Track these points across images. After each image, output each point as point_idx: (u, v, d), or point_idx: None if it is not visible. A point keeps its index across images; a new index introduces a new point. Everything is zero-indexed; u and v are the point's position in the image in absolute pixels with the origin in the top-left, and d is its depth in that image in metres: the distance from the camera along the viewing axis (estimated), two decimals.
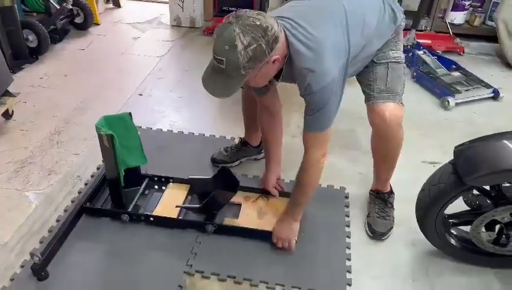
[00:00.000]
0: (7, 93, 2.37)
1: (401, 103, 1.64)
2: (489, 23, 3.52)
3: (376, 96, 1.61)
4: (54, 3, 3.21)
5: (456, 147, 1.46)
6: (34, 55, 3.03)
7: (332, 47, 1.39)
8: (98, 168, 2.08)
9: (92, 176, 2.03)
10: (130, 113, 1.79)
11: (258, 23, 1.27)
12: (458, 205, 1.55)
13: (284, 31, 1.37)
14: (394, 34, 1.60)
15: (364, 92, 1.66)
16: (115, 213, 1.79)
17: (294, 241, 1.68)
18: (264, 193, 1.94)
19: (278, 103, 1.85)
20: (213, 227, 1.73)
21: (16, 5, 2.95)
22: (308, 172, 1.61)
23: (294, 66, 1.41)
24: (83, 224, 1.77)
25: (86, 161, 2.14)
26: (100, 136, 1.63)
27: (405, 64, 1.68)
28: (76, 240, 1.69)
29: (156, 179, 1.98)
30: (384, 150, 1.74)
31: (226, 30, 1.27)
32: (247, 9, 1.34)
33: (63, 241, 1.67)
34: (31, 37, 2.99)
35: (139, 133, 1.85)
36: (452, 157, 1.49)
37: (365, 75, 1.64)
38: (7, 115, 2.39)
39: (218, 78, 1.35)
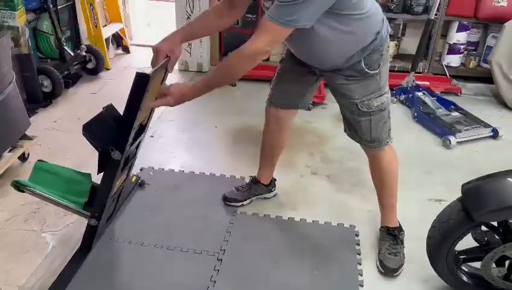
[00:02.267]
0: (24, 137, 2.45)
1: (389, 143, 1.77)
2: (484, 65, 3.68)
3: (364, 145, 1.78)
4: (68, 50, 3.36)
5: (463, 185, 1.53)
6: (48, 99, 3.14)
7: None
8: None
9: None
10: (39, 160, 1.86)
11: None
12: (469, 241, 1.60)
13: None
14: (376, 71, 1.61)
15: (352, 137, 1.80)
16: None
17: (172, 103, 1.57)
18: None
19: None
20: None
21: (32, 52, 3.12)
22: (236, 54, 1.49)
23: None
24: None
25: None
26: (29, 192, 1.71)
27: (389, 109, 1.73)
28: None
29: None
30: (381, 175, 1.84)
31: None
32: None
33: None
34: (46, 82, 3.10)
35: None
36: (459, 195, 1.55)
37: (352, 123, 1.74)
38: (23, 157, 2.46)
39: None
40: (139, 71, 1.43)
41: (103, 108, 1.62)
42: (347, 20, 1.50)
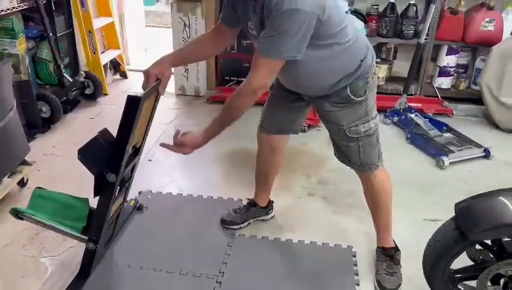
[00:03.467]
0: (24, 162, 2.47)
1: (379, 166, 1.81)
2: (474, 87, 3.77)
3: (355, 168, 1.83)
4: (67, 76, 3.41)
5: (456, 204, 1.57)
6: (46, 125, 3.17)
7: None
8: None
9: None
10: (38, 187, 1.88)
11: None
12: (465, 260, 1.62)
13: None
14: (363, 97, 1.66)
15: (343, 161, 1.85)
16: None
17: (188, 151, 1.69)
18: None
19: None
20: None
21: (31, 79, 3.17)
22: (238, 95, 1.59)
23: None
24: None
25: None
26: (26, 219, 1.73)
27: (378, 133, 1.77)
28: None
29: None
30: (375, 197, 1.88)
31: None
32: None
33: None
34: (45, 108, 3.14)
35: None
36: (453, 214, 1.59)
37: (342, 148, 1.79)
38: (22, 183, 2.48)
39: None
40: (131, 94, 1.46)
41: (98, 132, 1.65)
42: (330, 49, 1.56)
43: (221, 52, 1.88)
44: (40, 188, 1.88)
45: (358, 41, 1.64)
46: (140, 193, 2.47)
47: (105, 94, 3.83)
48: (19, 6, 2.99)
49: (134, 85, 4.13)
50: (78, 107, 3.59)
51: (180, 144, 1.68)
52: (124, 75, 4.30)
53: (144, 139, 1.85)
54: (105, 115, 3.53)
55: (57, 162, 2.80)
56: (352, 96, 1.66)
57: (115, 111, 3.62)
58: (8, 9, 2.87)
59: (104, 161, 1.57)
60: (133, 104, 1.46)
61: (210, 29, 1.87)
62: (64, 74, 3.40)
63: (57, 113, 3.19)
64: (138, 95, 1.46)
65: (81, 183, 2.57)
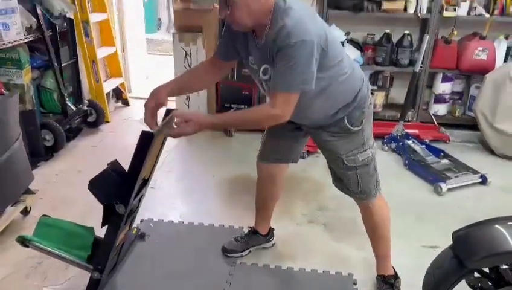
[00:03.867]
0: (27, 191, 2.50)
1: (377, 194, 1.85)
2: (470, 113, 3.84)
3: (354, 197, 1.87)
4: (70, 105, 3.48)
5: (454, 233, 1.60)
6: (49, 153, 3.22)
7: (312, 21, 1.52)
8: None
9: None
10: (44, 215, 1.91)
11: None
12: (464, 288, 1.65)
13: None
14: (360, 127, 1.72)
15: (341, 190, 1.90)
16: None
17: (184, 134, 1.59)
18: None
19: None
20: None
21: (35, 108, 3.23)
22: (262, 111, 1.62)
23: (278, 23, 1.49)
24: None
25: None
26: (32, 247, 1.77)
27: (375, 162, 1.82)
28: None
29: None
30: (373, 225, 1.92)
31: None
32: None
33: None
34: (48, 136, 3.20)
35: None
36: (451, 242, 1.62)
37: (340, 176, 1.84)
38: (25, 211, 2.51)
39: None
40: (145, 130, 1.53)
41: (108, 164, 1.70)
42: (329, 81, 1.62)
43: (216, 82, 1.91)
44: (46, 215, 1.91)
45: (354, 73, 1.71)
46: (142, 221, 2.49)
47: (108, 122, 3.89)
48: (26, 38, 3.07)
49: (136, 112, 4.21)
50: (81, 134, 3.65)
51: (185, 119, 1.57)
52: (125, 103, 4.37)
53: (152, 171, 1.90)
54: (107, 142, 3.58)
55: (59, 190, 2.83)
56: (349, 126, 1.72)
57: (117, 138, 3.68)
58: (15, 41, 2.95)
59: (114, 193, 1.62)
60: (146, 140, 1.52)
61: (207, 60, 1.91)
62: (68, 103, 3.47)
63: (60, 141, 3.24)
64: (151, 131, 1.52)
65: (84, 212, 2.61)
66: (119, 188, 1.63)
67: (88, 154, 3.37)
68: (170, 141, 3.55)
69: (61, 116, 3.46)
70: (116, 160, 1.73)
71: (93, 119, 3.73)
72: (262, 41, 1.58)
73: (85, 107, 3.58)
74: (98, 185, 1.66)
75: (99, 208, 2.59)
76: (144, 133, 1.53)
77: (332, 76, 1.62)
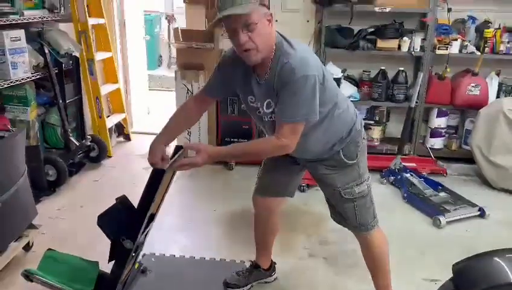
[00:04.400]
0: (30, 226, 2.52)
1: (375, 226, 1.89)
2: (465, 147, 3.92)
3: (352, 229, 1.91)
4: (73, 140, 3.54)
5: (454, 265, 1.62)
6: (52, 187, 3.25)
7: (312, 58, 1.62)
8: None
9: None
10: (49, 249, 1.94)
11: None
12: None
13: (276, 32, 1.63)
14: (355, 161, 1.79)
15: (339, 223, 1.94)
16: None
17: (194, 165, 1.63)
18: None
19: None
20: None
21: (40, 144, 3.29)
22: (265, 140, 1.70)
23: (281, 60, 1.59)
24: None
25: None
26: (36, 281, 1.78)
27: (371, 195, 1.87)
28: None
29: None
30: (373, 258, 1.94)
31: None
32: None
33: None
34: (51, 171, 3.23)
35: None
36: (451, 275, 1.64)
37: (338, 209, 1.88)
38: (27, 247, 2.51)
39: (229, 10, 1.51)
40: (157, 167, 1.58)
41: (116, 199, 1.74)
42: (326, 115, 1.70)
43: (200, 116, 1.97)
44: (52, 249, 1.93)
45: (349, 109, 1.80)
46: (144, 255, 2.50)
47: (109, 156, 3.94)
48: (33, 76, 3.18)
49: (138, 147, 4.27)
50: (83, 169, 3.68)
51: (195, 150, 1.64)
52: (127, 138, 4.44)
53: (159, 206, 1.94)
54: (109, 177, 3.62)
55: (62, 225, 2.85)
56: (345, 160, 1.79)
57: (118, 173, 3.72)
58: (22, 79, 3.05)
59: (122, 228, 1.65)
60: (157, 176, 1.57)
61: (192, 98, 1.96)
62: (71, 138, 3.53)
63: (63, 176, 3.27)
64: (163, 168, 1.57)
65: (86, 247, 2.61)
66: (126, 223, 1.66)
67: (90, 189, 3.40)
68: None
69: (64, 151, 3.52)
70: (124, 195, 1.77)
71: (95, 154, 3.78)
72: (265, 77, 1.65)
73: (88, 143, 3.64)
74: (106, 221, 1.69)
75: (101, 243, 2.60)
76: (155, 170, 1.58)
77: (329, 110, 1.71)
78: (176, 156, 1.68)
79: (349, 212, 1.83)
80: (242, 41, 1.55)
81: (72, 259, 1.93)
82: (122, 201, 1.73)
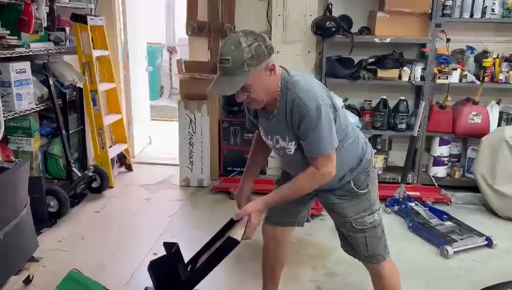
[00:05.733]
0: (31, 259, 2.47)
1: (386, 257, 1.86)
2: (469, 175, 3.90)
3: (364, 261, 1.88)
4: (76, 171, 3.53)
5: None
6: (53, 219, 3.21)
7: (318, 88, 1.65)
8: None
9: None
10: (75, 269, 1.91)
11: (257, 32, 1.55)
12: None
13: (283, 67, 1.65)
14: (366, 190, 1.79)
15: (350, 254, 1.91)
16: None
17: (255, 226, 1.68)
18: None
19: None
20: None
21: (42, 175, 3.28)
22: (307, 174, 1.67)
23: (289, 95, 1.61)
24: None
25: None
26: None
27: (382, 225, 1.87)
28: None
29: None
30: (382, 288, 1.92)
31: (231, 37, 1.54)
32: None
33: None
34: (53, 202, 3.19)
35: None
36: None
37: (349, 239, 1.86)
38: (27, 280, 2.46)
39: (224, 79, 1.53)
40: (232, 236, 1.60)
41: (165, 244, 1.77)
42: (336, 148, 1.68)
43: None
44: (77, 270, 1.88)
45: (359, 138, 1.80)
46: (146, 289, 2.44)
47: (111, 187, 3.91)
48: (37, 107, 3.20)
49: (139, 178, 4.25)
50: (85, 200, 3.64)
51: (247, 214, 1.70)
52: (129, 168, 4.42)
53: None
54: (111, 208, 3.59)
55: (63, 257, 2.79)
56: (356, 189, 1.78)
57: (120, 204, 3.69)
58: (27, 110, 3.06)
59: (170, 281, 1.65)
60: (231, 246, 1.60)
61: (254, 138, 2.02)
62: (74, 169, 3.52)
63: (65, 207, 3.24)
64: (238, 239, 1.60)
65: None
66: (175, 277, 1.66)
67: (91, 220, 3.36)
68: (173, 207, 3.60)
69: (66, 182, 3.50)
70: (177, 244, 1.78)
71: (97, 184, 3.75)
72: (274, 114, 1.68)
73: (90, 173, 3.63)
74: (157, 269, 1.69)
75: (104, 275, 2.55)
76: (230, 239, 1.59)
77: (340, 141, 1.70)
78: (244, 225, 1.67)
79: (361, 243, 1.81)
80: (240, 100, 1.62)
81: (95, 286, 1.87)
82: (175, 251, 1.73)
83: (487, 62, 3.62)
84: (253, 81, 1.54)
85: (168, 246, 1.75)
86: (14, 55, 2.92)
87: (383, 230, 1.85)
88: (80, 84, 3.60)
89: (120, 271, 2.62)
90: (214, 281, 2.55)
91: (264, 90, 1.60)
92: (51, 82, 3.29)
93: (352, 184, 1.77)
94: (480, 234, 3.03)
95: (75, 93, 3.69)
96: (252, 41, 1.51)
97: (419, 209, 3.33)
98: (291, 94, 1.61)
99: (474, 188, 3.73)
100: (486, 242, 2.97)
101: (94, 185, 3.76)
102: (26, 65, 3.05)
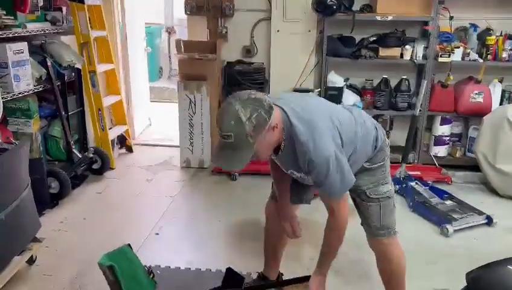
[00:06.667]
0: (34, 239, 2.49)
1: (395, 233, 1.88)
2: (470, 154, 3.89)
3: (374, 233, 1.87)
4: (76, 152, 3.52)
5: (467, 274, 1.59)
6: (55, 200, 3.22)
7: (328, 130, 1.62)
8: None
9: None
10: (129, 245, 1.91)
11: (252, 96, 1.52)
12: None
13: (285, 109, 1.61)
14: (382, 162, 1.82)
15: (362, 224, 1.90)
16: None
17: None
18: None
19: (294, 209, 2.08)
20: None
21: (42, 156, 3.27)
22: (336, 231, 1.75)
23: (295, 143, 1.61)
24: None
25: None
26: (104, 272, 1.74)
27: (394, 196, 1.90)
28: None
29: None
30: (389, 270, 1.92)
31: (228, 109, 1.50)
32: (240, 91, 1.57)
33: None
34: (54, 184, 3.20)
35: (142, 263, 1.96)
36: (463, 284, 1.61)
37: (362, 209, 1.87)
38: (31, 260, 2.48)
39: (229, 152, 1.52)
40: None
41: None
42: (351, 153, 1.73)
43: None
44: (129, 246, 1.90)
45: (367, 129, 1.79)
46: (149, 268, 2.46)
47: (112, 168, 3.91)
48: (35, 89, 3.17)
49: (140, 159, 4.25)
50: (86, 182, 3.65)
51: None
52: (129, 150, 4.42)
53: None
54: (112, 189, 3.59)
55: (65, 238, 2.81)
56: (372, 166, 1.81)
57: (121, 185, 3.69)
58: (25, 91, 3.04)
59: None
60: None
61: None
62: (74, 150, 3.51)
63: (66, 188, 3.25)
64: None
65: (90, 259, 2.57)
66: None
67: (93, 201, 3.37)
68: (174, 188, 3.60)
69: (67, 163, 3.50)
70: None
71: (98, 166, 3.75)
72: (282, 154, 1.69)
73: (90, 155, 3.62)
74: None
75: (104, 253, 2.56)
76: None
77: (354, 149, 1.73)
78: None
79: (374, 213, 1.82)
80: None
81: (140, 269, 1.91)
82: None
83: (490, 40, 3.58)
84: (259, 146, 1.54)
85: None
86: (10, 35, 2.87)
87: (394, 204, 1.87)
88: (78, 65, 3.56)
89: None
90: (215, 259, 2.58)
91: (269, 147, 1.62)
92: (48, 63, 3.26)
93: (367, 164, 1.81)
94: (480, 213, 3.04)
95: (73, 74, 3.65)
96: (251, 111, 1.48)
97: (420, 188, 3.33)
98: (297, 143, 1.60)
99: (475, 167, 3.72)
100: (486, 220, 2.98)
101: (95, 166, 3.75)
102: (24, 46, 3.00)
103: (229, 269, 1.97)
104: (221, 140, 1.52)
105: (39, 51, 3.26)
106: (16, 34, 2.93)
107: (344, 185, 1.66)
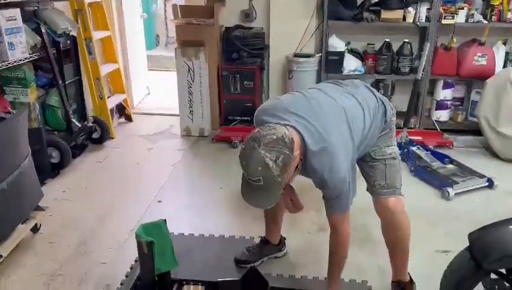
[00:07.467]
0: (37, 208, 2.50)
1: (401, 194, 1.87)
2: (471, 118, 3.87)
3: (379, 192, 1.84)
4: (75, 122, 3.49)
5: (470, 234, 1.61)
6: (56, 170, 3.21)
7: (343, 147, 1.62)
8: (126, 276, 2.14)
9: (121, 284, 2.09)
10: (165, 220, 1.92)
11: (274, 137, 1.50)
12: None
13: (299, 130, 1.59)
14: (388, 130, 1.83)
15: (368, 186, 1.89)
16: None
17: None
18: None
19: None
20: None
21: (41, 126, 3.24)
22: (340, 245, 1.79)
23: (309, 163, 1.62)
24: None
25: (114, 269, 2.21)
26: (140, 243, 1.75)
27: (400, 159, 1.90)
28: None
29: (184, 282, 2.05)
30: (394, 238, 1.91)
31: (252, 155, 1.49)
32: (258, 129, 1.56)
33: None
34: (55, 153, 3.19)
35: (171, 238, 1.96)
36: (463, 245, 1.62)
37: (366, 170, 1.86)
38: (35, 228, 2.50)
39: (260, 193, 1.56)
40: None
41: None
42: (365, 143, 1.75)
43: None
44: (165, 222, 1.92)
45: (372, 111, 1.75)
46: None
47: (112, 138, 3.89)
48: (31, 57, 3.10)
49: (140, 128, 4.22)
50: (86, 151, 3.64)
51: None
52: (129, 119, 4.39)
53: None
54: (113, 158, 3.59)
55: (68, 206, 2.83)
56: (382, 133, 1.82)
57: (122, 154, 3.69)
58: (20, 60, 2.98)
59: None
60: None
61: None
62: (73, 120, 3.48)
63: (67, 158, 3.24)
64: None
65: (92, 227, 2.61)
66: None
67: (94, 171, 3.37)
68: (175, 156, 3.59)
69: (66, 133, 3.47)
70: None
71: (98, 135, 3.73)
72: (298, 171, 1.68)
73: (90, 124, 3.59)
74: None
75: (110, 223, 2.59)
76: None
77: (365, 137, 1.73)
78: None
79: (380, 172, 1.82)
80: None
81: (170, 245, 1.91)
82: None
83: (495, 0, 3.48)
84: (286, 178, 1.57)
85: None
86: (2, 1, 2.79)
87: (400, 166, 1.87)
88: (73, 32, 3.48)
89: (126, 218, 2.66)
90: (218, 225, 2.60)
91: (293, 173, 1.62)
92: (43, 30, 3.17)
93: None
94: (481, 176, 3.04)
95: (69, 42, 3.57)
96: (276, 154, 1.48)
97: (422, 153, 3.33)
98: (311, 162, 1.61)
99: (476, 131, 3.71)
100: (487, 183, 2.99)
101: (95, 136, 3.74)
102: (16, 12, 2.91)
103: (253, 270, 1.90)
104: (250, 182, 1.54)
105: (32, 17, 3.17)
106: (8, 0, 2.84)
107: (350, 201, 1.71)
